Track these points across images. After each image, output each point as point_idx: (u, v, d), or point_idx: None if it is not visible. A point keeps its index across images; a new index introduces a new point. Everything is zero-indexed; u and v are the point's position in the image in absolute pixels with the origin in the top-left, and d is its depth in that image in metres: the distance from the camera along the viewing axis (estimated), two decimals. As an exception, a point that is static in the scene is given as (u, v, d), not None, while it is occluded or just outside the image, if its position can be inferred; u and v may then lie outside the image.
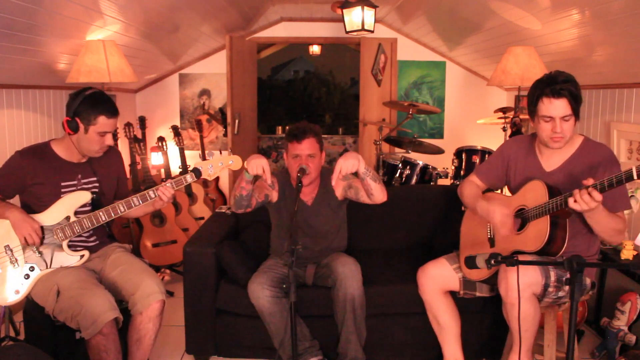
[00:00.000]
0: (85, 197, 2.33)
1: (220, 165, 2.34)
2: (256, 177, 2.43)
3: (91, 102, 2.25)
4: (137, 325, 2.28)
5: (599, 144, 2.20)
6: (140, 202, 2.28)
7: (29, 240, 2.19)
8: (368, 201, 2.59)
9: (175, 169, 4.84)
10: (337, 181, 2.62)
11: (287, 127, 2.80)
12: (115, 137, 3.73)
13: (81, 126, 2.25)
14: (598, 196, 1.84)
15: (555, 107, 2.05)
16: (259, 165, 2.35)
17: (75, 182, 2.36)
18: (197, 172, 2.29)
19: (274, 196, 2.70)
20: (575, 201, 1.88)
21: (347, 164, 2.34)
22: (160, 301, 2.29)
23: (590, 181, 1.85)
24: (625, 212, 2.13)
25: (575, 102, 2.05)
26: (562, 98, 2.04)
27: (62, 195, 2.30)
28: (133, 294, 2.27)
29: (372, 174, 2.48)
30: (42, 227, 2.23)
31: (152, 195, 2.28)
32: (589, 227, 2.13)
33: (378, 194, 2.53)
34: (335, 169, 2.34)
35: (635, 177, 1.73)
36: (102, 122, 2.26)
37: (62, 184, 2.32)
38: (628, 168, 1.76)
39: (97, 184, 2.43)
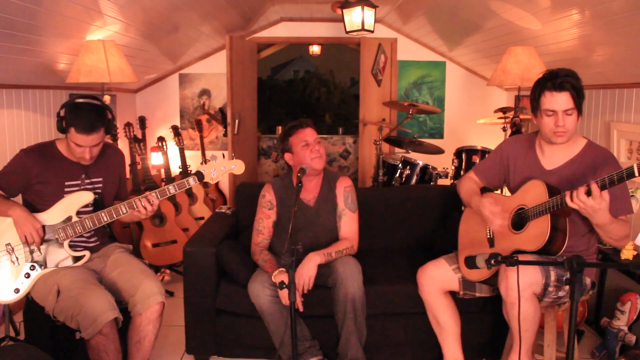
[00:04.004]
0: (87, 197, 2.33)
1: (223, 169, 2.34)
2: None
3: (70, 110, 2.22)
4: (137, 327, 2.28)
5: (602, 147, 2.20)
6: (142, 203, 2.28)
7: (29, 239, 2.19)
8: None
9: (175, 169, 4.84)
10: (340, 191, 2.68)
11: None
12: (115, 137, 3.78)
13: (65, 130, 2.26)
14: (597, 191, 1.84)
15: (557, 100, 2.06)
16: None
17: (79, 182, 2.36)
18: (199, 175, 2.29)
19: (275, 215, 2.72)
20: (571, 200, 1.88)
21: (305, 276, 2.41)
22: (160, 303, 2.29)
23: (590, 184, 1.85)
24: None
25: (578, 96, 2.06)
26: (564, 91, 2.05)
27: (65, 195, 2.30)
28: (133, 296, 2.27)
29: (335, 254, 2.53)
30: (43, 227, 2.24)
31: (155, 197, 2.28)
32: (588, 227, 2.13)
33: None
34: (299, 286, 2.39)
35: (636, 174, 1.73)
36: (73, 133, 2.22)
37: (66, 183, 2.33)
38: (629, 166, 1.76)
39: (100, 184, 2.43)
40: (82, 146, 2.25)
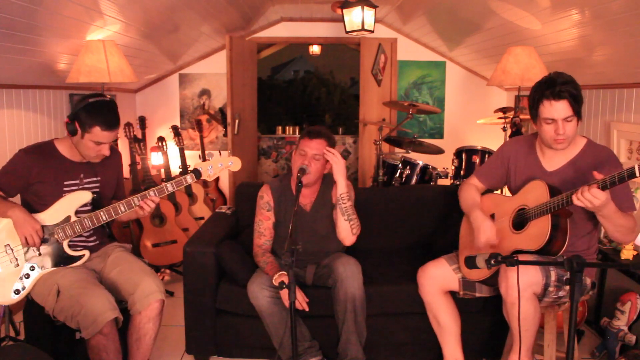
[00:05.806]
0: (86, 197, 2.33)
1: (220, 166, 2.35)
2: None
3: (90, 110, 2.22)
4: (137, 325, 2.28)
5: (602, 146, 2.21)
6: (141, 200, 2.28)
7: (29, 240, 2.19)
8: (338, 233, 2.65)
9: (175, 169, 4.84)
10: (335, 192, 2.65)
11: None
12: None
13: (79, 131, 2.25)
14: (599, 194, 1.84)
15: (557, 109, 2.05)
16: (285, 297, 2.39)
17: (77, 182, 2.36)
18: (197, 173, 2.29)
19: (274, 216, 2.71)
20: (577, 198, 1.88)
21: (340, 161, 2.56)
22: (160, 300, 2.29)
23: (599, 175, 1.85)
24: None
25: (576, 103, 2.05)
26: (562, 100, 2.04)
27: (63, 195, 2.30)
28: (132, 294, 2.27)
29: (348, 206, 2.56)
30: (43, 227, 2.23)
31: (152, 195, 2.28)
32: (589, 228, 2.13)
33: (342, 231, 2.59)
34: (333, 156, 2.55)
35: (637, 174, 1.74)
36: (97, 132, 2.23)
37: (65, 183, 2.32)
38: (630, 166, 1.76)
39: (98, 184, 2.43)
40: (103, 143, 2.28)
